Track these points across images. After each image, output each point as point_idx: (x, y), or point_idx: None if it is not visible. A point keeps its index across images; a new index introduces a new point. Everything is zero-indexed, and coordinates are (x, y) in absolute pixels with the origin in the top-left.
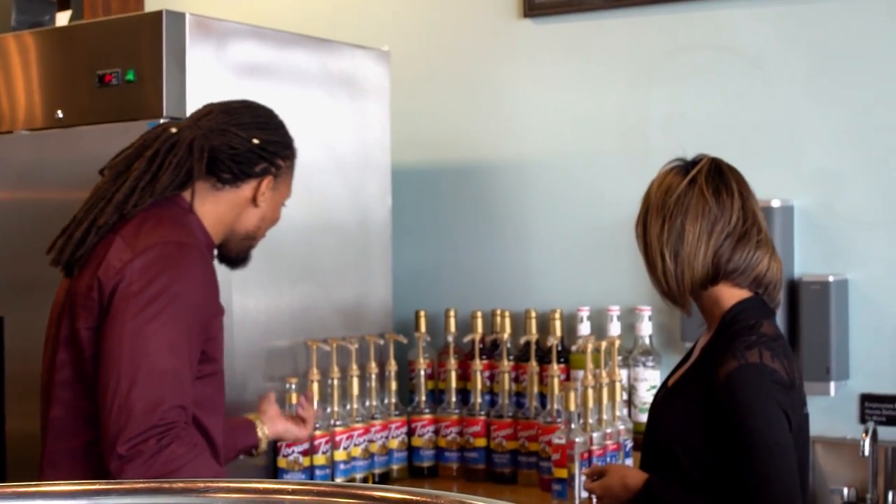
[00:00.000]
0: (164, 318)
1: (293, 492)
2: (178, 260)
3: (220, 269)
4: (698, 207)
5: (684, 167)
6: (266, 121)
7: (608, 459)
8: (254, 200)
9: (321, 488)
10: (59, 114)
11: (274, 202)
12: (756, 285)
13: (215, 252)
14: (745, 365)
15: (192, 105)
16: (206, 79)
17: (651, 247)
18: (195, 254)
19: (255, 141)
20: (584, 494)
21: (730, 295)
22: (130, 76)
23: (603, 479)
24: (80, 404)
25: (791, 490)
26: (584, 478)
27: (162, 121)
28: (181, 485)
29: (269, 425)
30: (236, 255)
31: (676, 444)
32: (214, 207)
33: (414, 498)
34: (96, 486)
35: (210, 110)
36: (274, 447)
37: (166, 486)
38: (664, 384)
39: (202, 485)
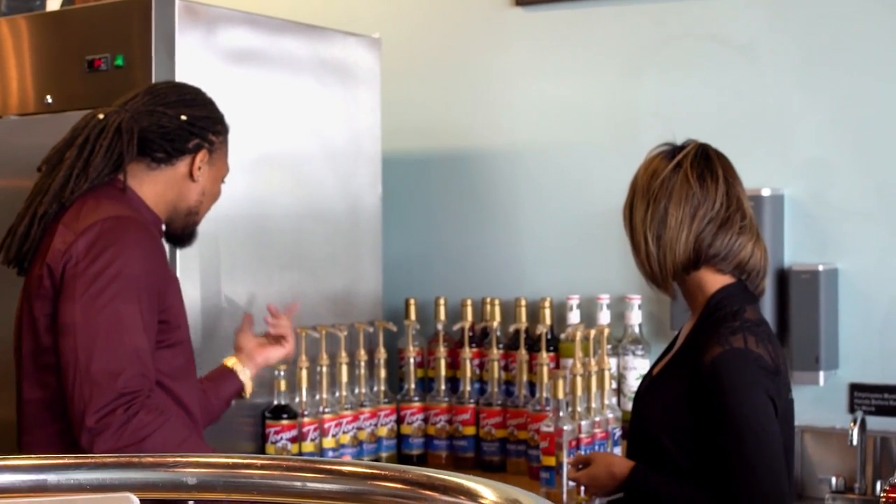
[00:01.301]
0: (113, 290)
1: (262, 466)
2: (119, 234)
3: (209, 258)
4: (682, 192)
5: (671, 152)
6: (193, 97)
7: (596, 447)
8: (191, 175)
9: (289, 463)
10: (49, 99)
11: (212, 177)
12: (739, 271)
13: (163, 228)
14: (730, 350)
15: None
16: (196, 65)
17: (636, 230)
18: (135, 226)
19: (184, 117)
20: (572, 484)
21: (713, 280)
22: (119, 61)
23: (589, 469)
24: (48, 393)
25: (777, 475)
26: (569, 467)
27: None
28: (151, 459)
29: (249, 363)
30: (182, 231)
31: (662, 432)
32: (153, 187)
33: (380, 472)
34: (67, 461)
35: (136, 93)
36: (262, 434)
37: (136, 460)
38: (649, 372)
39: (171, 459)
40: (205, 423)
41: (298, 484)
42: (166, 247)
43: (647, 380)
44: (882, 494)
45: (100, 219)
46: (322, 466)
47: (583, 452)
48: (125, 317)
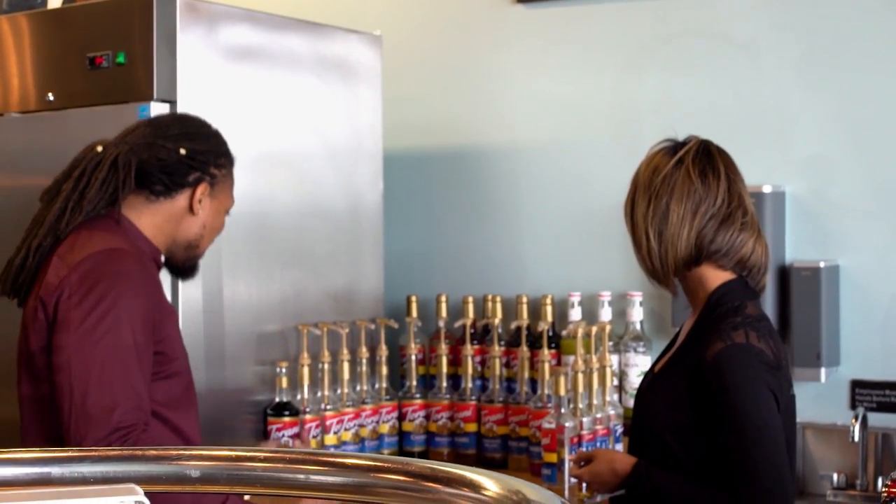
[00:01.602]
0: (107, 324)
1: (265, 459)
2: (113, 267)
3: (210, 256)
4: (683, 188)
5: (673, 147)
6: (195, 131)
7: (598, 444)
8: (191, 209)
9: (293, 455)
10: (50, 96)
11: (214, 210)
12: (741, 267)
13: (162, 259)
14: (732, 346)
15: (183, 88)
16: (197, 62)
17: (637, 226)
18: (130, 259)
19: (183, 151)
20: (574, 480)
21: (714, 276)
22: (121, 59)
23: (591, 465)
24: (43, 426)
25: (780, 470)
26: (571, 463)
27: (152, 104)
28: (154, 452)
29: None
30: (183, 264)
31: (664, 428)
32: (152, 219)
33: (384, 464)
34: (70, 454)
35: (138, 125)
36: (264, 431)
37: (139, 453)
38: (651, 369)
39: (175, 452)
40: None
41: (301, 476)
42: (165, 275)
43: (649, 376)
44: (884, 490)
45: (94, 252)
46: (325, 459)
47: (584, 449)
48: (120, 350)
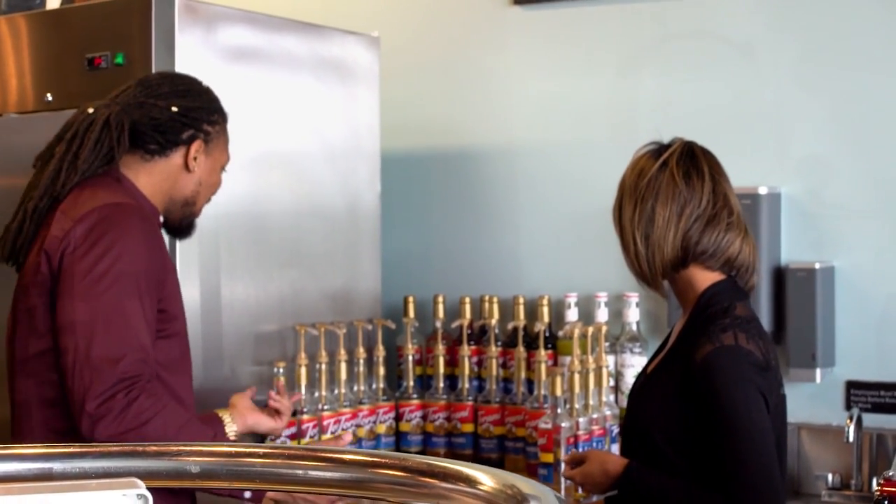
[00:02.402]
0: (111, 278)
1: (264, 454)
2: (118, 220)
3: (209, 255)
4: (668, 191)
5: (657, 150)
6: (186, 88)
7: (594, 444)
8: (186, 166)
9: (291, 451)
10: (49, 97)
11: (209, 167)
12: (728, 268)
13: (161, 219)
14: (721, 348)
15: None
16: (195, 63)
17: (625, 230)
18: (135, 213)
19: (175, 109)
20: (569, 482)
21: (703, 278)
22: (119, 59)
23: (583, 466)
24: (42, 385)
25: (770, 470)
26: (564, 465)
27: None
28: (155, 448)
29: (238, 418)
30: (180, 222)
31: (656, 429)
32: (149, 178)
33: (381, 460)
34: (72, 450)
35: (129, 86)
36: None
37: (140, 449)
38: (643, 370)
39: (175, 448)
40: None
41: (300, 472)
42: (166, 238)
43: (642, 378)
44: (877, 489)
45: (98, 205)
46: (323, 455)
47: (580, 450)
48: (124, 305)
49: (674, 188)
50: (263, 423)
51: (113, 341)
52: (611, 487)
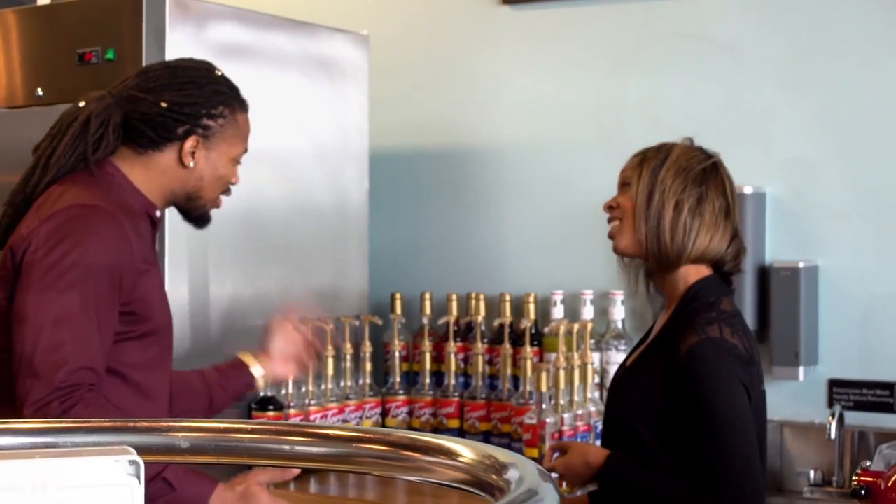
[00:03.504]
0: (68, 280)
1: (252, 430)
2: (83, 223)
3: (197, 251)
4: (719, 189)
5: (701, 149)
6: (186, 80)
7: (578, 440)
8: (181, 162)
9: (279, 427)
10: (40, 92)
11: (214, 161)
12: (732, 264)
13: (157, 214)
14: (706, 340)
15: None
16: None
17: (664, 198)
18: (102, 215)
19: (163, 104)
20: (553, 475)
21: (692, 273)
22: (110, 55)
23: (565, 457)
24: (7, 383)
25: (751, 462)
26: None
27: None
28: (146, 424)
29: (267, 363)
30: (192, 214)
31: (638, 420)
32: (145, 171)
33: (365, 435)
34: (64, 425)
35: (129, 76)
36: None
37: (131, 424)
38: (623, 363)
39: (165, 424)
40: (204, 413)
41: (287, 447)
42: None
43: (622, 370)
44: (854, 478)
45: (65, 206)
46: (309, 430)
47: (559, 440)
48: (77, 308)
49: (724, 189)
50: (287, 371)
51: (57, 347)
52: (592, 479)
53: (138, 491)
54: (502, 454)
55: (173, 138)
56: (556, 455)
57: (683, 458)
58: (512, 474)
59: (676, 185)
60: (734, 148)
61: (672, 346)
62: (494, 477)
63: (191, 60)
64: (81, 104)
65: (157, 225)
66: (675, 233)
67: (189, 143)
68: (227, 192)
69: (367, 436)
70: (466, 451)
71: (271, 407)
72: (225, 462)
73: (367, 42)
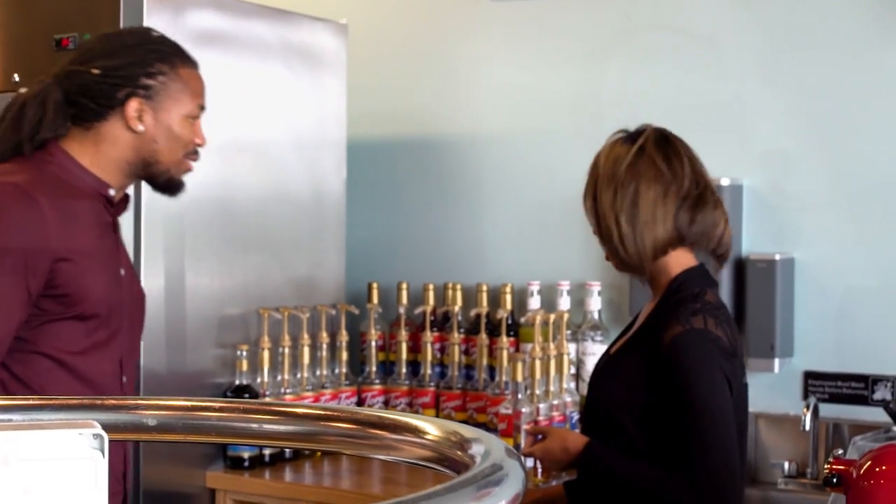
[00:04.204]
0: None
1: (220, 409)
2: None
3: (174, 239)
4: (650, 173)
5: (630, 137)
6: (117, 43)
7: None
8: (129, 127)
9: (246, 405)
10: (16, 77)
11: (167, 121)
12: (713, 250)
13: (111, 192)
14: (690, 330)
15: None
16: None
17: (604, 216)
18: (16, 194)
19: (95, 71)
20: (529, 463)
21: (677, 263)
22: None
23: (544, 442)
24: None
25: (730, 453)
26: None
27: None
28: (113, 402)
29: None
30: (157, 182)
31: (619, 408)
32: (97, 148)
33: (333, 413)
34: (31, 402)
35: (68, 55)
36: None
37: (98, 402)
38: (607, 351)
39: (132, 402)
40: None
41: (255, 426)
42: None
43: (605, 358)
44: (826, 467)
45: None
46: (277, 409)
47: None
48: None
49: (655, 170)
50: None
51: None
52: (570, 465)
53: (102, 465)
54: (468, 430)
55: (115, 104)
56: (536, 439)
57: (663, 447)
58: (477, 449)
59: (609, 198)
60: (711, 140)
61: (656, 335)
62: (460, 453)
63: (129, 28)
64: (23, 90)
65: (117, 205)
66: (626, 245)
67: (132, 106)
68: (193, 155)
69: (335, 414)
70: (432, 427)
71: (247, 395)
72: (192, 440)
73: (347, 31)
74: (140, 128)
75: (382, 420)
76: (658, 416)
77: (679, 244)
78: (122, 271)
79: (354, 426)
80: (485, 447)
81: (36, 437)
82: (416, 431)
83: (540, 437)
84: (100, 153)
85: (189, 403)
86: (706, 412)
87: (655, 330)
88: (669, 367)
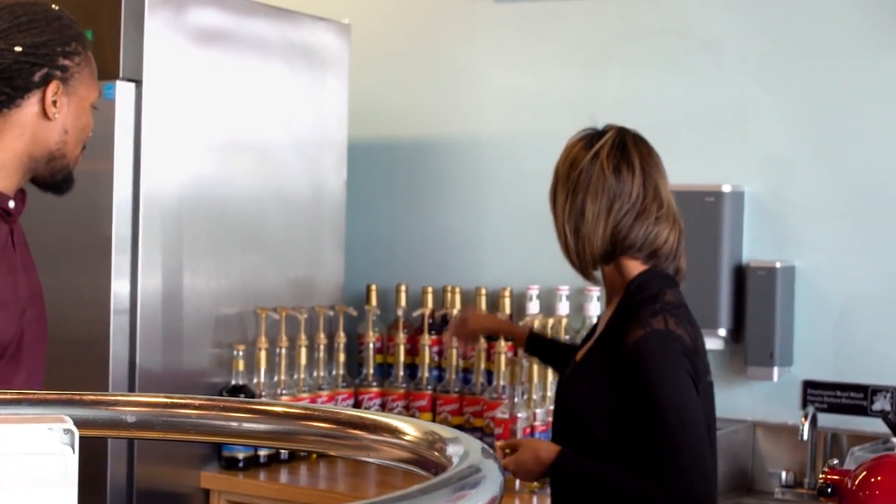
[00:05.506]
0: None
1: (199, 406)
2: None
3: (172, 237)
4: (598, 184)
5: (590, 140)
6: (31, 18)
7: (550, 434)
8: (45, 114)
9: (226, 403)
10: None
11: (75, 108)
12: (652, 257)
13: (11, 204)
14: (651, 332)
15: (149, 68)
16: (164, 43)
17: (557, 219)
18: None
19: (18, 48)
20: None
21: (632, 266)
22: (88, 36)
23: (516, 454)
24: None
25: (700, 452)
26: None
27: (118, 83)
28: (91, 397)
29: None
30: (52, 178)
31: (588, 414)
32: None
33: (313, 413)
34: (8, 396)
35: None
36: None
37: (77, 397)
38: (572, 358)
39: (111, 398)
40: None
41: (234, 424)
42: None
43: (570, 366)
44: (821, 477)
45: None
46: (256, 407)
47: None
48: None
49: (604, 182)
50: None
51: None
52: (543, 475)
53: (72, 460)
54: (444, 430)
55: (31, 87)
56: (506, 453)
57: (634, 451)
58: (455, 450)
59: (561, 203)
60: (712, 145)
61: (618, 339)
62: (437, 454)
63: (21, 0)
64: None
65: (13, 217)
66: (570, 251)
67: (51, 90)
68: (84, 149)
69: (315, 413)
70: (411, 428)
71: (243, 395)
72: (171, 438)
73: (349, 31)
74: (56, 115)
75: (363, 420)
76: (626, 419)
77: (613, 256)
78: (22, 289)
79: (334, 426)
80: (463, 448)
81: (4, 432)
82: (394, 432)
83: (509, 451)
84: (2, 149)
85: (168, 400)
86: (673, 413)
87: (618, 333)
88: (633, 371)
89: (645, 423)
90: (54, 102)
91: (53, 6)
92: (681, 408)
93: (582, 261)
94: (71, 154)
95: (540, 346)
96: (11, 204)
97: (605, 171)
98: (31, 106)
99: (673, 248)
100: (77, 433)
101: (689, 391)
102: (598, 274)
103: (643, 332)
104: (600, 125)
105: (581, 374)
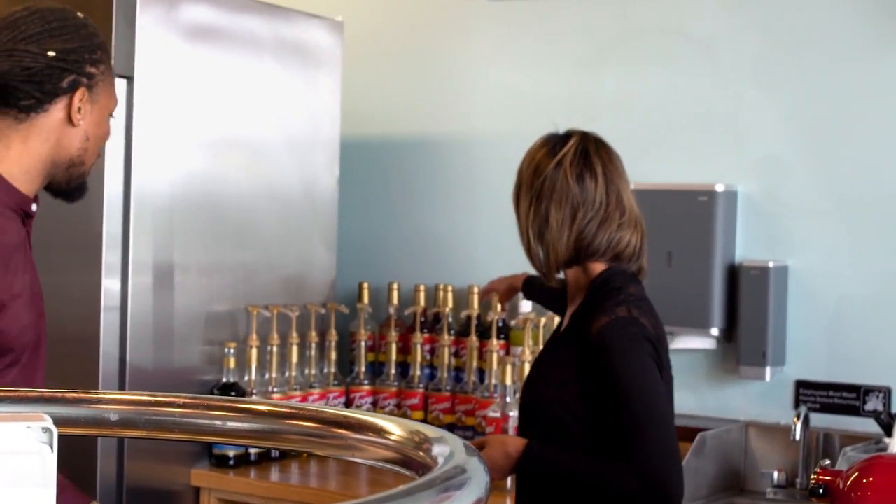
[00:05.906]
0: None
1: (183, 405)
2: None
3: (163, 234)
4: (562, 192)
5: (553, 147)
6: (61, 24)
7: None
8: (70, 120)
9: (210, 402)
10: None
11: (97, 117)
12: (616, 260)
13: (33, 208)
14: (616, 319)
15: (141, 64)
16: (156, 39)
17: (521, 223)
18: None
19: (52, 53)
20: None
21: (596, 267)
22: None
23: (484, 451)
24: None
25: (667, 429)
26: None
27: None
28: (74, 395)
29: None
30: (67, 185)
31: (555, 404)
32: (23, 146)
33: (298, 411)
34: None
35: None
36: None
37: (59, 395)
38: (538, 356)
39: (94, 395)
40: None
41: (218, 423)
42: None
43: (537, 360)
44: (812, 477)
45: None
46: (240, 406)
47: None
48: None
49: (567, 190)
50: None
51: None
52: (513, 470)
53: (50, 459)
54: (429, 430)
55: (59, 92)
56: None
57: (602, 437)
58: (440, 450)
59: (525, 208)
60: (706, 145)
61: (584, 329)
62: (422, 454)
63: (49, 6)
64: None
65: (30, 218)
66: (532, 255)
67: (78, 96)
68: (98, 155)
69: (300, 412)
70: (395, 428)
71: (233, 393)
72: (154, 437)
73: (342, 29)
74: (80, 122)
75: (349, 420)
76: (593, 406)
77: (577, 261)
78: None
79: (318, 425)
80: (449, 448)
81: None
82: (380, 432)
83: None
84: (26, 152)
85: (152, 398)
86: (638, 391)
87: (583, 324)
88: (599, 356)
89: (611, 407)
90: (79, 109)
91: (79, 13)
92: (644, 386)
93: (546, 266)
94: (89, 161)
95: (538, 290)
96: (34, 207)
97: (568, 180)
98: (57, 112)
99: (636, 250)
100: (56, 432)
101: (654, 375)
102: (556, 278)
103: (607, 319)
104: (602, 126)
105: (546, 366)
